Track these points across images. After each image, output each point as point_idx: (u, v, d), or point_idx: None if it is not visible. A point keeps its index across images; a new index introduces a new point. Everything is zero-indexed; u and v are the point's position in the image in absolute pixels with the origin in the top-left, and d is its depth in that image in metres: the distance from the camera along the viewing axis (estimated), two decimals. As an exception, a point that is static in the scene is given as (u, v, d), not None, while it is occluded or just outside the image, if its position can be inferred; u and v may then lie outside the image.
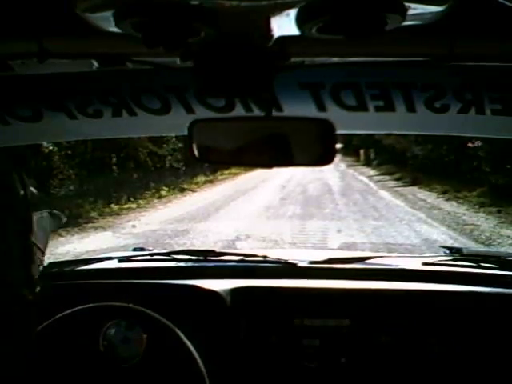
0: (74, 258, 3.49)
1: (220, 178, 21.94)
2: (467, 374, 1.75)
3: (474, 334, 1.77)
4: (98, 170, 14.45)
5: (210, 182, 20.50)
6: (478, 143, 14.32)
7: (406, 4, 0.93)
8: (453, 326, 1.79)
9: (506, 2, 0.89)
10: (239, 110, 1.49)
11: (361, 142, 27.49)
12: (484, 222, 11.21)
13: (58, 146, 12.86)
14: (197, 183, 19.42)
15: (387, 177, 21.38)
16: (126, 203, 14.50)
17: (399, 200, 14.73)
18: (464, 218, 11.74)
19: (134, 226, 11.20)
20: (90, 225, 11.65)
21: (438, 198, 15.03)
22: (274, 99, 1.43)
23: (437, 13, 0.99)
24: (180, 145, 17.42)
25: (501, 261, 2.02)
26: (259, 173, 22.17)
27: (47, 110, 1.56)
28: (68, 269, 2.09)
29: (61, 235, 10.21)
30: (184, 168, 18.69)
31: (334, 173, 22.15)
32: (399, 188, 17.66)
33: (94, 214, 12.85)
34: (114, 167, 15.56)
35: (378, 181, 20.39)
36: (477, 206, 13.03)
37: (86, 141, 13.19)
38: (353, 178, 22.27)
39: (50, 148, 12.69)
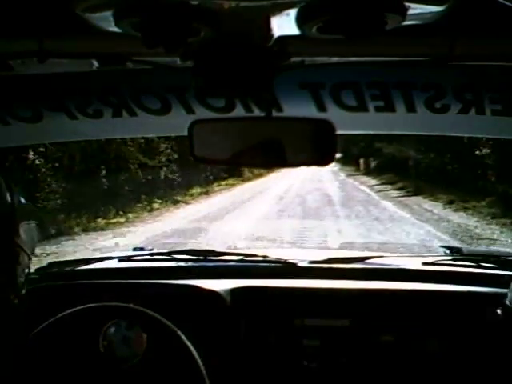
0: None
1: (216, 189, 20.89)
2: (467, 373, 1.75)
3: (474, 334, 1.77)
4: (87, 183, 13.54)
5: (206, 193, 19.43)
6: (485, 151, 13.86)
7: (406, 4, 0.93)
8: (453, 325, 1.79)
9: (506, 2, 0.89)
10: (239, 111, 1.49)
11: (360, 150, 27.00)
12: (500, 235, 10.16)
13: (45, 159, 12.23)
14: (191, 195, 18.41)
15: (389, 186, 20.33)
16: (114, 217, 13.53)
17: (404, 211, 13.76)
18: (477, 231, 10.78)
19: (117, 244, 9.90)
20: (70, 242, 10.74)
21: (445, 208, 14.08)
22: (274, 99, 1.43)
23: (437, 13, 0.99)
24: (175, 156, 16.80)
25: (501, 261, 2.02)
26: (257, 183, 21.61)
27: (47, 110, 1.56)
28: (68, 269, 2.09)
29: (36, 256, 9.49)
30: (180, 179, 17.88)
31: (334, 182, 21.46)
32: (402, 198, 16.59)
33: (77, 229, 11.94)
34: (104, 180, 14.65)
35: (380, 190, 19.34)
36: (488, 218, 12.00)
37: (74, 152, 12.73)
38: (353, 187, 21.12)
39: (37, 162, 12.09)
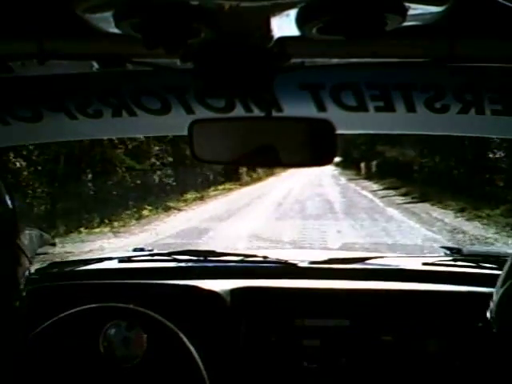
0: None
1: (212, 194, 19.52)
2: (467, 373, 1.75)
3: (473, 333, 1.77)
4: (71, 187, 12.61)
5: (201, 198, 18.04)
6: (500, 154, 13.04)
7: (406, 4, 0.93)
8: (453, 325, 1.79)
9: (506, 3, 0.89)
10: (239, 111, 1.49)
11: (361, 154, 26.18)
12: (527, 250, 8.94)
13: (27, 162, 11.33)
14: (185, 200, 17.12)
15: (392, 191, 18.99)
16: (98, 226, 12.37)
17: (412, 220, 12.52)
18: (498, 244, 9.67)
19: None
20: (37, 258, 9.68)
21: (457, 217, 12.88)
22: (274, 100, 1.43)
23: (437, 13, 0.99)
24: (170, 159, 15.84)
25: (501, 261, 2.01)
26: (254, 188, 20.77)
27: (47, 110, 1.56)
28: (68, 269, 2.09)
29: None
30: (174, 184, 16.77)
31: (335, 187, 20.54)
32: (409, 205, 15.33)
33: (54, 241, 10.74)
34: (90, 184, 13.68)
35: (384, 196, 18.04)
36: (507, 228, 10.70)
37: (58, 156, 12.05)
38: (355, 193, 19.87)
39: (17, 165, 11.16)
